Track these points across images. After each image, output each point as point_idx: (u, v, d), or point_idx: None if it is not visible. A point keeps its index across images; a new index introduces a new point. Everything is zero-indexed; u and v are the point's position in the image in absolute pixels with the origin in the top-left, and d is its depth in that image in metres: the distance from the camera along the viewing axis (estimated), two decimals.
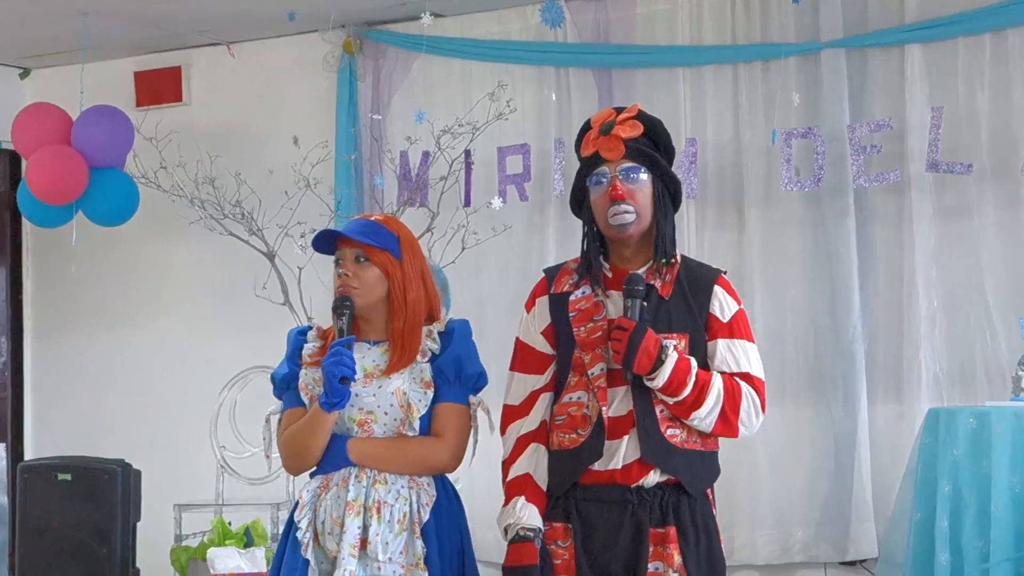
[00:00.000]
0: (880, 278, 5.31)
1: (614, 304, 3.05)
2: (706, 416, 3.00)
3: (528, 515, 3.01)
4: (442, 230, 5.40)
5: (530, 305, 3.17)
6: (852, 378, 5.27)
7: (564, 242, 5.60)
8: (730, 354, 3.04)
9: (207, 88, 6.49)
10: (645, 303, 2.97)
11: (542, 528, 3.00)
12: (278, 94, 6.30)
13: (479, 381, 3.21)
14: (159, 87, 6.39)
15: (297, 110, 6.16)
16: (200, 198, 5.63)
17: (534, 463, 3.07)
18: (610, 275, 3.09)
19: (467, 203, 5.60)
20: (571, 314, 3.07)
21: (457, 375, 3.15)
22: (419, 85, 5.91)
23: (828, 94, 5.31)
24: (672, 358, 2.94)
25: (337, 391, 3.00)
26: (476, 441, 3.23)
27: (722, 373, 3.04)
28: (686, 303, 3.03)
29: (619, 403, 3.00)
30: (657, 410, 2.99)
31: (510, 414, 3.13)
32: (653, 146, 3.06)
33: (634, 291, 2.97)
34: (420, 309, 3.15)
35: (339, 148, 5.90)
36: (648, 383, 2.97)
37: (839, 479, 5.29)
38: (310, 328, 3.24)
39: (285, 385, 3.20)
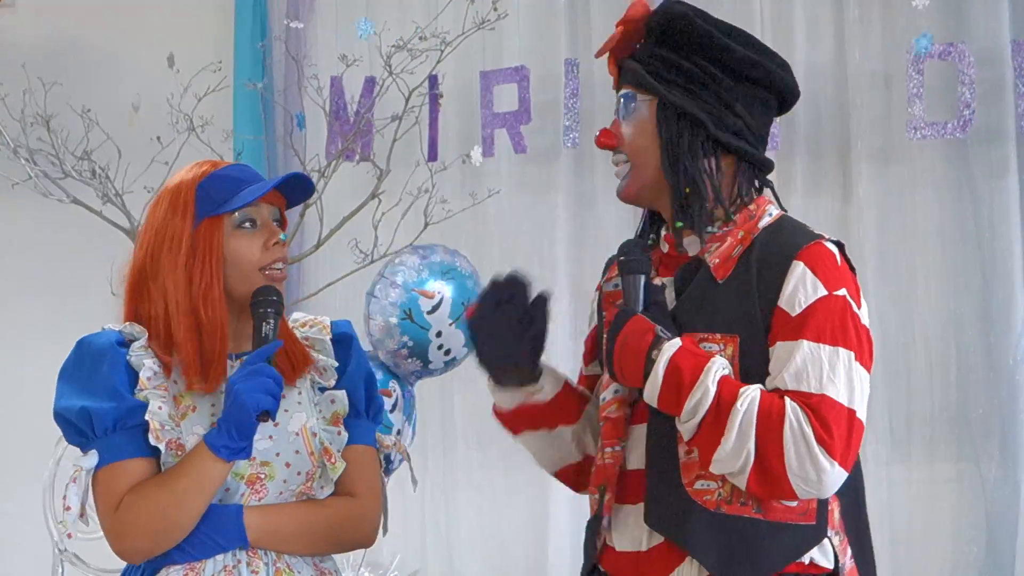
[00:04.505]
0: None
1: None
2: (731, 454, 2.52)
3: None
4: (394, 195, 4.70)
5: None
6: (1015, 421, 4.70)
7: (580, 213, 5.13)
8: (789, 362, 2.49)
9: None
10: (650, 279, 2.68)
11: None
12: None
13: (381, 414, 3.04)
14: None
15: (175, 16, 5.57)
16: (28, 146, 4.97)
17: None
18: (664, 248, 2.77)
19: (432, 156, 4.95)
20: None
21: (368, 404, 2.94)
22: None
23: None
24: (666, 354, 2.52)
25: (251, 431, 2.68)
26: (387, 508, 2.93)
27: (768, 391, 2.55)
28: (748, 290, 2.61)
29: (637, 446, 2.66)
30: (681, 451, 2.60)
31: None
32: (670, 51, 2.65)
33: (627, 263, 2.69)
34: None
35: (239, 73, 5.30)
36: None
37: (993, 567, 4.76)
38: (121, 337, 2.81)
39: (110, 424, 2.78)
